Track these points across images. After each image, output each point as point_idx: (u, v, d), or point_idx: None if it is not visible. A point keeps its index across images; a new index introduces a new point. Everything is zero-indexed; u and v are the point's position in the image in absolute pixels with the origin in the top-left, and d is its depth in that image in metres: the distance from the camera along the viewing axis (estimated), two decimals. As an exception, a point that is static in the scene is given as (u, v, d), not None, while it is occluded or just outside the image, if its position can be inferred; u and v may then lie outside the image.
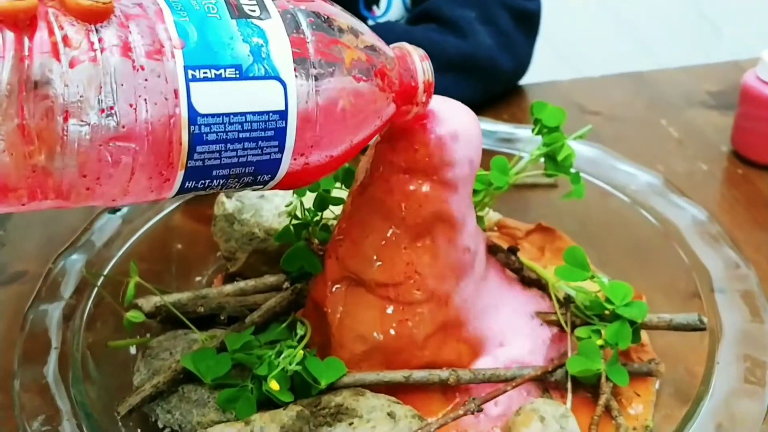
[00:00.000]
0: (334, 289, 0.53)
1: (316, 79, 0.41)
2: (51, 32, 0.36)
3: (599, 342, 0.52)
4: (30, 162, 0.36)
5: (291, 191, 0.57)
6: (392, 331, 0.52)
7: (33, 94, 0.35)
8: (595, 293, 0.55)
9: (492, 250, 0.59)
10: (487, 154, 0.60)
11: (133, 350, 0.57)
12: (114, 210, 0.62)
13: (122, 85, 0.36)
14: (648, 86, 0.95)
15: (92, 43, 0.36)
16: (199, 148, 0.39)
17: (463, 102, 0.53)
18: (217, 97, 0.39)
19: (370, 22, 0.95)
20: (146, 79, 0.37)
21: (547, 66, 1.02)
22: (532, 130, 0.60)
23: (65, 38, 0.36)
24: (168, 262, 0.66)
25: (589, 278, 0.54)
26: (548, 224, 0.67)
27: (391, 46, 0.47)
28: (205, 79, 0.38)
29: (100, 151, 0.37)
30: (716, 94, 0.92)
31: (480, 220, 0.61)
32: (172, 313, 0.55)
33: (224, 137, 0.39)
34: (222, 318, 0.56)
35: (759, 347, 0.51)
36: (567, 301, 0.56)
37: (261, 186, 0.44)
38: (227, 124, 0.39)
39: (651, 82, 0.96)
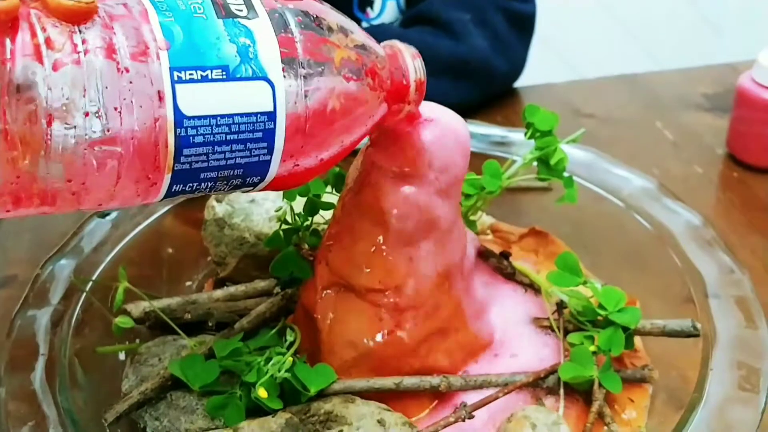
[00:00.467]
0: (324, 294, 0.52)
1: (305, 79, 0.40)
2: (33, 34, 0.35)
3: (592, 348, 0.52)
4: (14, 168, 0.35)
5: (281, 195, 0.57)
6: (382, 337, 0.51)
7: (15, 98, 0.34)
8: (588, 299, 0.54)
9: (484, 254, 0.59)
10: (480, 158, 0.60)
11: (122, 356, 0.57)
12: (103, 214, 0.62)
13: (107, 87, 0.36)
14: (643, 88, 0.94)
15: (75, 45, 0.35)
16: (185, 151, 0.38)
17: (457, 104, 0.53)
18: (204, 99, 0.38)
19: (364, 24, 0.94)
20: (131, 82, 0.36)
21: (542, 68, 1.02)
22: (525, 134, 0.59)
23: (48, 40, 0.35)
24: (158, 266, 0.65)
25: (581, 284, 0.54)
26: (541, 228, 0.67)
27: (381, 44, 0.46)
28: (192, 80, 0.38)
29: (85, 155, 0.36)
30: (712, 97, 0.92)
31: (472, 224, 0.61)
32: (161, 319, 0.55)
33: (212, 140, 0.39)
34: (210, 324, 0.55)
35: (753, 354, 0.50)
36: (560, 307, 0.55)
37: (251, 188, 0.43)
38: (214, 126, 0.39)
39: (646, 85, 0.95)
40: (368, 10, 0.95)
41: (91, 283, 0.57)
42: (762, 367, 0.49)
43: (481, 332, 0.55)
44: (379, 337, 0.51)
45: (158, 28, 0.37)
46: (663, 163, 0.80)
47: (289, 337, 0.52)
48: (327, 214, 0.56)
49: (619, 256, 0.63)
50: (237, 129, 0.39)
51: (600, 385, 0.51)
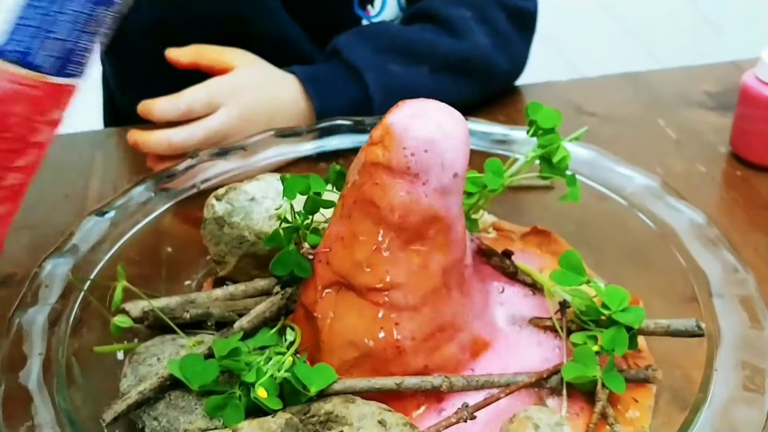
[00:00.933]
0: (324, 294, 0.52)
1: None
2: None
3: (595, 348, 0.51)
4: None
5: (281, 193, 0.56)
6: (383, 337, 0.50)
7: None
8: (591, 298, 0.54)
9: (486, 253, 0.58)
10: (482, 156, 0.60)
11: (120, 356, 0.56)
12: (101, 212, 0.61)
13: None
14: (645, 87, 0.94)
15: None
16: None
17: (458, 102, 0.52)
18: None
19: (365, 22, 0.94)
20: None
21: (543, 66, 1.01)
22: (528, 132, 0.59)
23: None
24: (157, 265, 0.65)
25: (584, 283, 0.53)
26: (544, 227, 0.66)
27: None
28: None
29: None
30: (715, 95, 0.91)
31: (474, 222, 0.60)
32: (160, 318, 0.54)
33: None
34: (209, 324, 0.55)
35: (758, 354, 0.50)
36: (563, 306, 0.55)
37: None
38: None
39: (648, 83, 0.95)
40: (369, 7, 0.94)
41: (89, 282, 0.57)
42: (767, 368, 0.49)
43: (482, 332, 0.55)
44: (379, 337, 0.51)
45: None
46: (665, 161, 0.80)
47: (289, 337, 0.52)
48: (327, 213, 0.55)
49: (622, 255, 0.63)
50: None
51: (603, 385, 0.51)
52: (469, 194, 0.58)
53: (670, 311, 0.55)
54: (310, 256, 0.55)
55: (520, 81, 0.94)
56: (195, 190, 0.66)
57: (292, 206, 0.57)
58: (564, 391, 0.52)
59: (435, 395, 0.52)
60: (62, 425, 0.47)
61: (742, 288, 0.54)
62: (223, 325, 0.55)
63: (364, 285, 0.50)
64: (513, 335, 0.55)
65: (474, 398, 0.51)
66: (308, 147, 0.71)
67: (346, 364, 0.51)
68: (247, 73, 0.82)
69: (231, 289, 0.58)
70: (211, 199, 0.61)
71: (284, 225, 0.56)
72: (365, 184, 0.50)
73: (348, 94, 0.83)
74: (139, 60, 0.93)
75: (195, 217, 0.63)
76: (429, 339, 0.51)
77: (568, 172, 0.59)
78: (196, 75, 0.82)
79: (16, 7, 0.43)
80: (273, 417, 0.47)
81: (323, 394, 0.49)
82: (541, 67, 1.01)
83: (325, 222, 0.56)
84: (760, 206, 0.74)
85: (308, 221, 0.56)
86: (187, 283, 0.65)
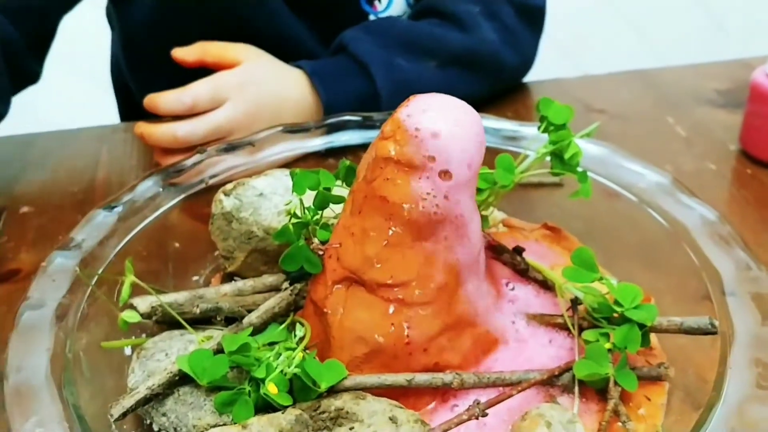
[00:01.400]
0: (334, 289, 0.52)
1: None
2: None
3: (607, 345, 0.51)
4: None
5: (290, 189, 0.56)
6: (393, 333, 0.50)
7: None
8: (604, 295, 0.53)
9: (497, 250, 0.58)
10: (492, 152, 0.59)
11: (128, 351, 0.56)
12: (109, 207, 0.61)
13: None
14: (655, 84, 0.93)
15: None
16: None
17: (466, 97, 0.52)
18: None
19: (372, 17, 0.93)
20: None
21: (552, 63, 1.01)
22: (539, 128, 0.58)
23: None
24: (164, 261, 0.64)
25: (597, 280, 0.53)
26: (554, 224, 0.66)
27: None
28: None
29: None
30: (724, 92, 0.91)
31: (484, 219, 0.60)
32: (168, 314, 0.54)
33: None
34: (219, 319, 0.54)
35: (772, 351, 0.49)
36: (574, 303, 0.54)
37: None
38: None
39: (658, 80, 0.94)
40: (376, 3, 0.94)
41: (96, 277, 0.56)
42: (780, 366, 0.48)
43: (493, 328, 0.54)
44: (390, 333, 0.50)
45: None
46: (675, 159, 0.79)
47: (299, 332, 0.51)
48: (337, 208, 0.55)
49: (633, 253, 0.62)
50: None
51: (615, 383, 0.50)
52: (479, 190, 0.58)
53: (682, 309, 0.55)
54: (320, 252, 0.55)
55: (528, 78, 0.94)
56: (203, 186, 0.66)
57: (301, 201, 0.56)
58: (576, 389, 0.51)
59: (446, 392, 0.51)
60: (70, 421, 0.47)
61: (755, 285, 0.54)
62: (231, 320, 0.55)
63: (374, 281, 0.50)
64: (524, 332, 0.55)
65: (485, 395, 0.50)
66: (317, 143, 0.71)
67: (356, 360, 0.50)
68: (254, 68, 0.82)
69: (239, 284, 0.58)
70: (220, 195, 0.61)
71: (294, 220, 0.56)
72: (376, 179, 0.49)
73: (355, 88, 0.82)
74: (149, 59, 0.93)
75: (203, 212, 0.63)
76: (440, 335, 0.51)
77: (579, 169, 0.58)
78: (203, 70, 0.81)
79: None
80: (283, 413, 0.47)
81: (333, 391, 0.49)
82: (546, 65, 1.01)
83: (335, 218, 0.55)
84: (770, 204, 0.74)
85: (318, 217, 0.56)
86: (194, 278, 0.64)
